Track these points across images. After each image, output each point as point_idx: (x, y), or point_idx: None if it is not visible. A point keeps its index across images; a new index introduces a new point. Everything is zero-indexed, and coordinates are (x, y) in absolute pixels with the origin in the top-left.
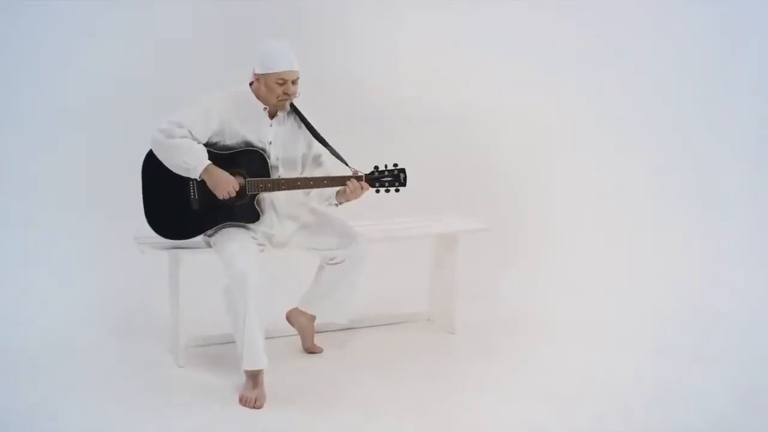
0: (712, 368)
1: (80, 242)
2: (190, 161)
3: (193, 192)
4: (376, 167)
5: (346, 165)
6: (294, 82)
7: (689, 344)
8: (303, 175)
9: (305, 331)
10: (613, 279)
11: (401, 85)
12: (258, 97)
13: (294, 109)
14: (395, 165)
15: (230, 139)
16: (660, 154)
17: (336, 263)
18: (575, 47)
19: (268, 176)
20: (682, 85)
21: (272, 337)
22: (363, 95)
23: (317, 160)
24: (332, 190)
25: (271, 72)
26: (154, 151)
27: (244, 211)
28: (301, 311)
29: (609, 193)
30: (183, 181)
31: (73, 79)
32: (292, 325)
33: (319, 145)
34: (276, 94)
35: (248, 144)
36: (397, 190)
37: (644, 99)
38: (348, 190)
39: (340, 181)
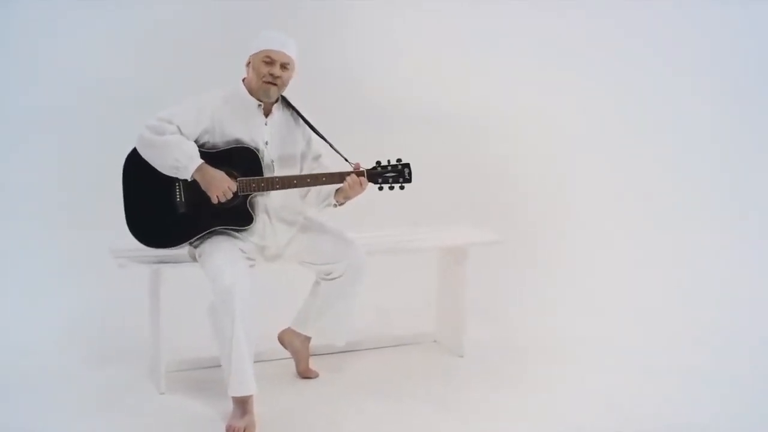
0: (749, 397)
1: (52, 255)
2: (181, 159)
3: (179, 195)
4: (378, 162)
5: (346, 160)
6: (284, 68)
7: (723, 371)
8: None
9: (299, 354)
10: (637, 298)
11: (403, 84)
12: (250, 89)
13: (289, 105)
14: (399, 160)
15: (220, 139)
16: (691, 161)
17: (333, 278)
18: (595, 44)
19: (261, 175)
20: (715, 87)
21: (263, 361)
22: (363, 95)
23: (317, 160)
24: (330, 190)
25: (259, 50)
26: (141, 150)
27: (235, 215)
28: (294, 332)
29: (633, 203)
30: (168, 184)
31: (47, 78)
32: (285, 347)
33: (319, 142)
34: (261, 74)
35: (240, 143)
36: (401, 187)
37: (674, 101)
38: (347, 185)
39: (339, 177)
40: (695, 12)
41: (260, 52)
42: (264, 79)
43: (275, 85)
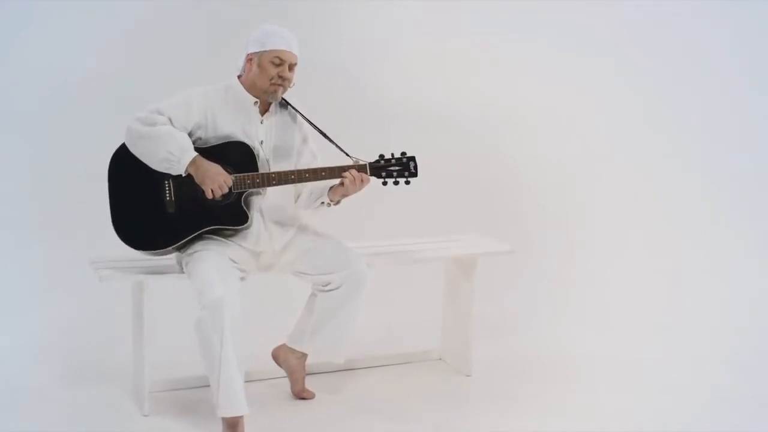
0: None
1: (26, 266)
2: (174, 151)
3: (169, 192)
4: (381, 155)
5: (347, 155)
6: (291, 68)
7: (750, 391)
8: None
9: (295, 373)
10: (658, 313)
11: (406, 81)
12: (248, 86)
13: (287, 102)
14: (403, 153)
15: (213, 135)
16: (717, 165)
17: (330, 290)
18: (615, 37)
19: (257, 172)
20: (745, 87)
21: (256, 380)
22: (363, 92)
23: (312, 162)
24: (324, 187)
25: (267, 50)
26: (129, 144)
27: (229, 214)
28: (289, 349)
29: (655, 210)
30: (156, 182)
31: (21, 75)
32: (280, 365)
33: (317, 142)
34: (269, 75)
35: (233, 138)
36: (407, 182)
37: (700, 101)
38: (347, 181)
39: (339, 172)
40: (723, 6)
41: (269, 52)
42: (273, 81)
43: (282, 86)
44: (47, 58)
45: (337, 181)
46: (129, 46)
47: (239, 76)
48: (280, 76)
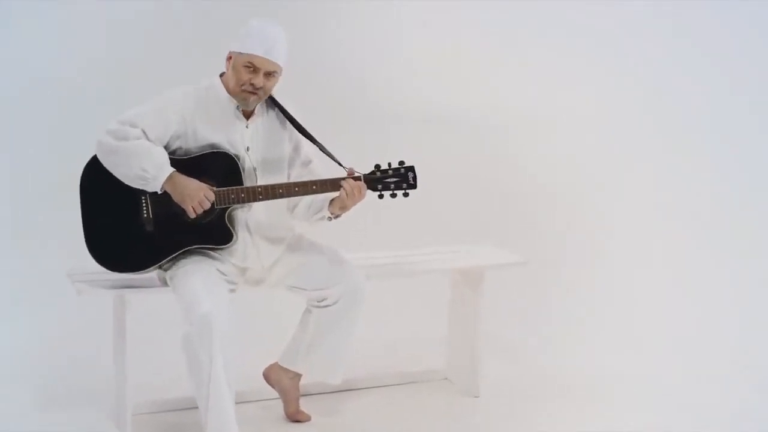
0: None
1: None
2: (149, 169)
3: (146, 210)
4: (377, 166)
5: (340, 165)
6: (268, 76)
7: None
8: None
9: (288, 394)
10: (681, 328)
11: (407, 80)
12: (228, 87)
13: (275, 103)
14: (401, 163)
15: (194, 144)
16: (745, 170)
17: (326, 306)
18: (631, 32)
19: (241, 185)
20: (761, 86)
21: (246, 401)
22: (362, 93)
23: (307, 167)
24: (324, 200)
25: (242, 52)
26: (101, 159)
27: (212, 232)
28: (282, 368)
29: (677, 218)
30: (132, 198)
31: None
32: (272, 385)
33: (309, 147)
34: (240, 80)
35: (216, 148)
36: (405, 194)
37: (727, 103)
38: (344, 193)
39: (332, 185)
40: (729, 4)
41: (242, 55)
42: (243, 87)
43: (255, 94)
44: (25, 57)
45: (337, 193)
46: (119, 45)
47: (222, 76)
48: (251, 84)
